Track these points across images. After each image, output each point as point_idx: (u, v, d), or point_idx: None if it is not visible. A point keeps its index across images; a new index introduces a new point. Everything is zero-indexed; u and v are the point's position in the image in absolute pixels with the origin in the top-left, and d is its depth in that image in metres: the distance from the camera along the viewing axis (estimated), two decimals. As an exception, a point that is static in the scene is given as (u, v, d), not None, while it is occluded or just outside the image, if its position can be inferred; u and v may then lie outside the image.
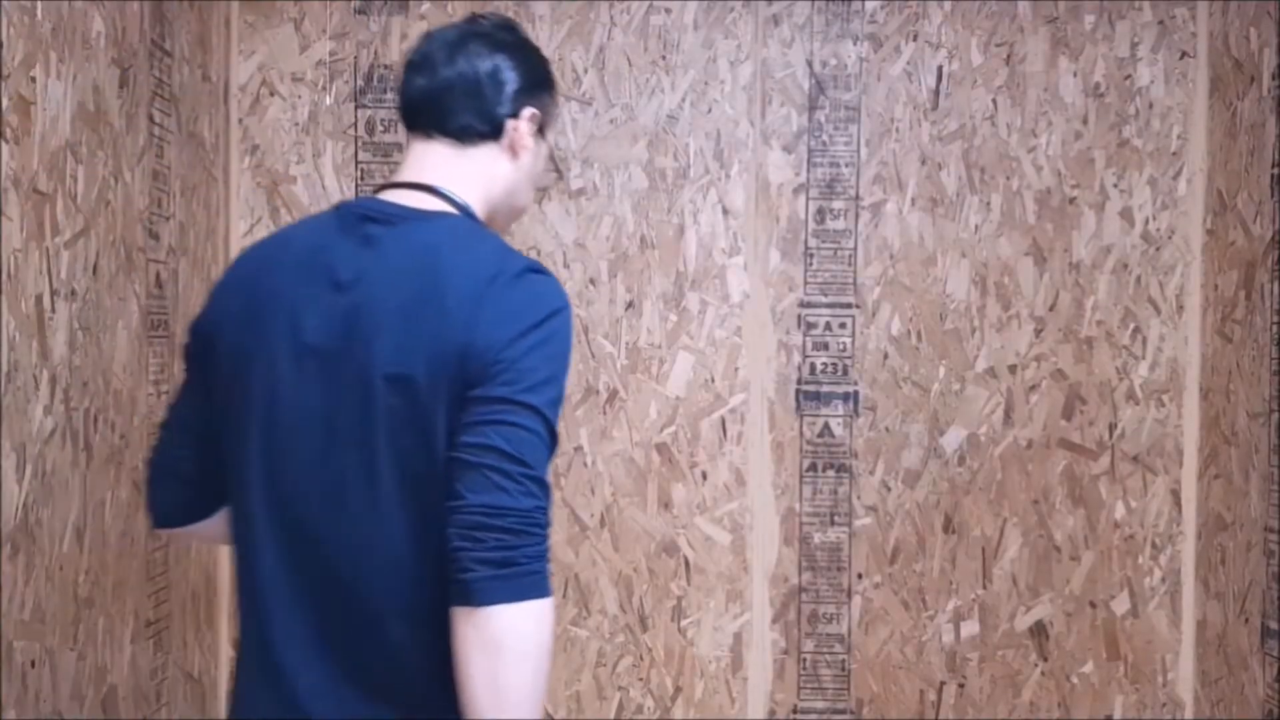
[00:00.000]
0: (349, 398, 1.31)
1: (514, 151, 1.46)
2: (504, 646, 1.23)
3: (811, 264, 2.65)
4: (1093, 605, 2.66)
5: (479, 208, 1.44)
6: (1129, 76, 2.65)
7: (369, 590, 1.32)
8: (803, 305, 2.65)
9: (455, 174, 1.42)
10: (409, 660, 1.32)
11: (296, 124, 2.61)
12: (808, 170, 2.65)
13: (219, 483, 1.43)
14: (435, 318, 1.29)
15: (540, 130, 1.49)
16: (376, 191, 1.44)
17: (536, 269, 1.37)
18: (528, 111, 1.46)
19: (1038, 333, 2.65)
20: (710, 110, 2.64)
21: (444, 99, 1.43)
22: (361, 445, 1.30)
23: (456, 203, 1.40)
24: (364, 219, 1.38)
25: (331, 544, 1.33)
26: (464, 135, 1.43)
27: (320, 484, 1.33)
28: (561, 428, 2.64)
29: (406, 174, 1.44)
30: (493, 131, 1.44)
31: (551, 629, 1.28)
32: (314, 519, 1.33)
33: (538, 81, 1.48)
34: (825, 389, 2.65)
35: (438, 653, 1.28)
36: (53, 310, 1.68)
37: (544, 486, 1.27)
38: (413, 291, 1.31)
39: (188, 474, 1.48)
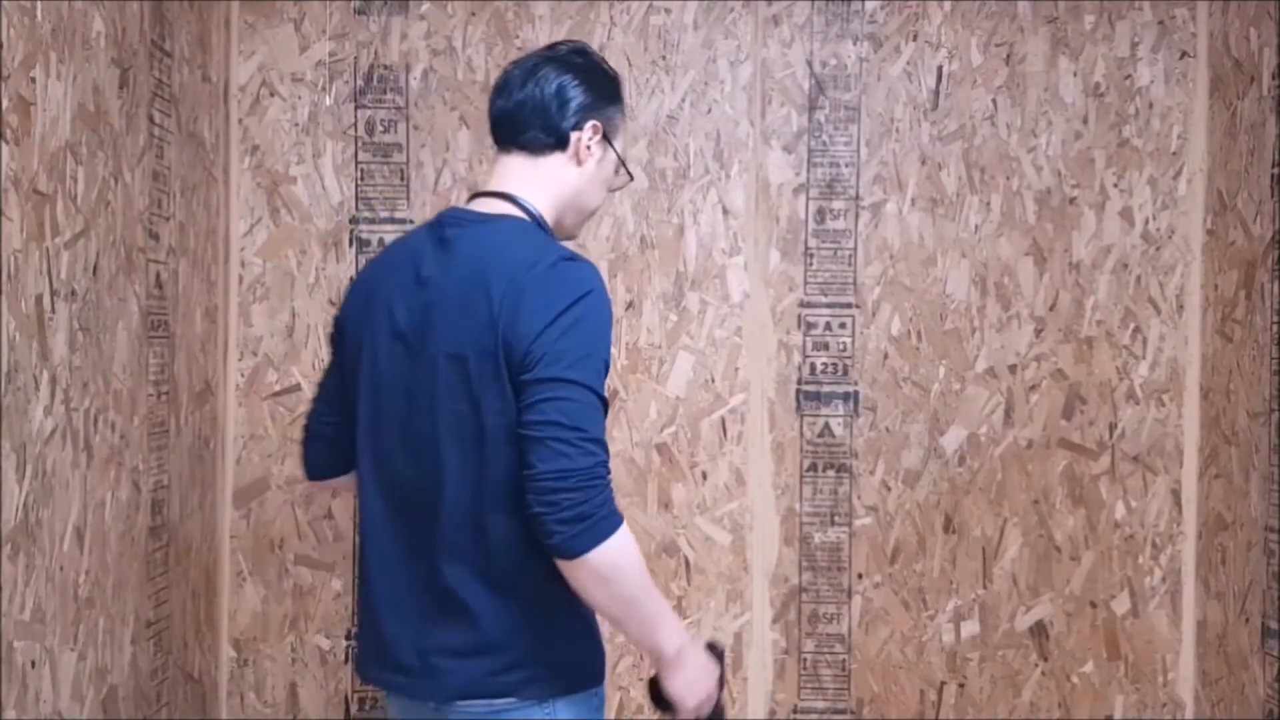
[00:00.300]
0: (422, 373, 1.59)
1: (579, 159, 1.68)
2: (604, 577, 1.50)
3: (811, 264, 2.65)
4: (1093, 605, 2.66)
5: (548, 209, 1.67)
6: (1129, 76, 2.65)
7: (437, 533, 1.59)
8: (803, 305, 2.65)
9: (527, 181, 1.66)
10: (467, 594, 1.58)
11: (296, 124, 2.61)
12: (808, 170, 2.65)
13: (353, 444, 1.70)
14: (484, 306, 1.54)
15: (606, 139, 1.70)
16: (469, 199, 1.70)
17: (570, 257, 1.58)
18: (590, 124, 1.67)
19: (1038, 333, 2.65)
20: (710, 110, 2.64)
21: (517, 116, 1.67)
22: (429, 411, 1.58)
23: (524, 206, 1.64)
24: (447, 224, 1.65)
25: (412, 494, 1.61)
26: (534, 146, 1.67)
27: (403, 443, 1.62)
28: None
29: (490, 183, 1.69)
30: (559, 142, 1.67)
31: (633, 543, 1.52)
32: (400, 473, 1.63)
33: (601, 97, 1.69)
34: (825, 389, 2.65)
35: (486, 587, 1.57)
36: (53, 311, 1.68)
37: (600, 444, 1.50)
38: (469, 284, 1.56)
39: (330, 436, 1.80)
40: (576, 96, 1.67)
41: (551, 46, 1.75)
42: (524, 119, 1.67)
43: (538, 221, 1.65)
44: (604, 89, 1.71)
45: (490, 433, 1.54)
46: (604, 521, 1.48)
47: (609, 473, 1.51)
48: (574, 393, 1.50)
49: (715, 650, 1.71)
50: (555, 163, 1.68)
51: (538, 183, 1.67)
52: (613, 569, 1.50)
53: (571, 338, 1.51)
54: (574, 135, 1.67)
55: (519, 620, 1.59)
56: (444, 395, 1.57)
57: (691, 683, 1.63)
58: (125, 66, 1.97)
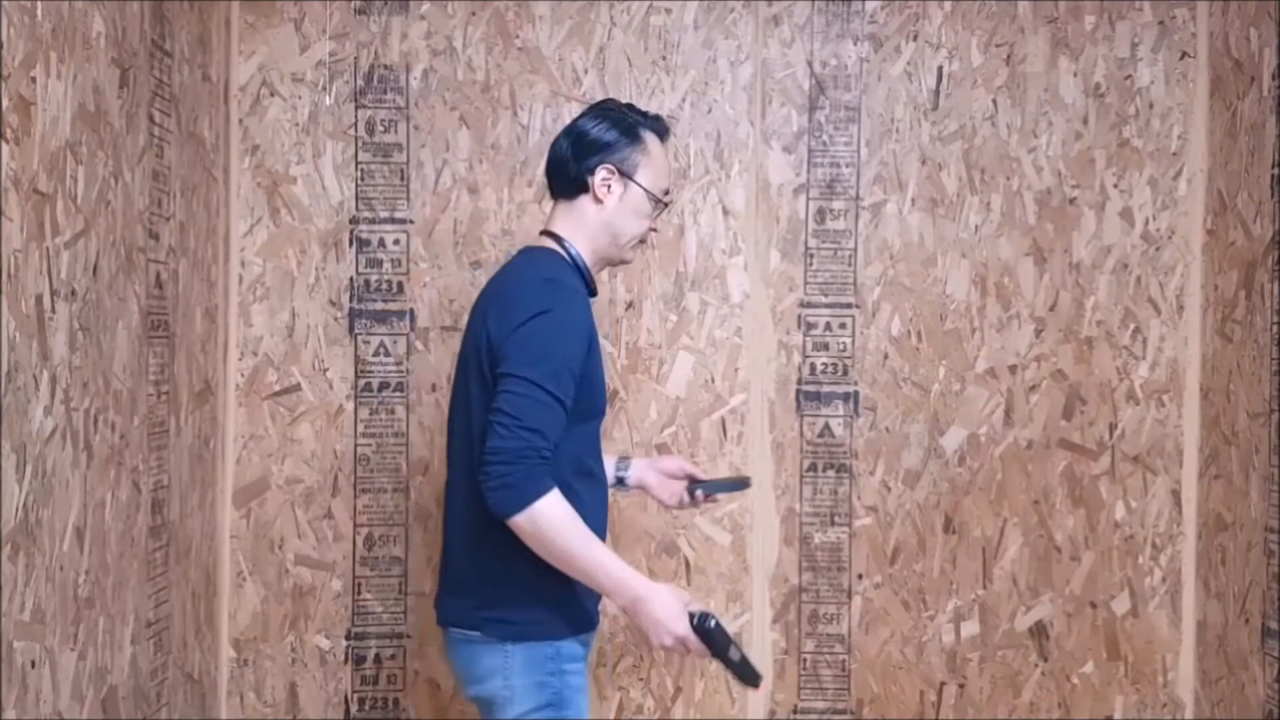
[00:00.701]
0: (459, 371, 2.03)
1: (599, 199, 1.98)
2: (533, 535, 1.81)
3: (812, 264, 2.65)
4: (1093, 605, 2.66)
5: (583, 242, 2.00)
6: (1129, 77, 2.65)
7: (451, 498, 2.00)
8: (803, 305, 2.65)
9: (565, 220, 2.02)
10: (458, 547, 1.97)
11: (296, 124, 2.61)
12: (808, 170, 2.65)
13: None
14: (485, 315, 1.94)
15: (624, 174, 1.98)
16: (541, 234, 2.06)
17: (550, 278, 1.91)
18: (604, 167, 1.97)
19: (1038, 333, 2.65)
20: (710, 110, 2.64)
21: (551, 172, 2.04)
22: (456, 401, 2.02)
23: (562, 240, 2.00)
24: (514, 254, 2.07)
25: (450, 464, 2.02)
26: (564, 193, 2.02)
27: (448, 426, 2.05)
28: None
29: (546, 225, 2.05)
30: (581, 188, 1.99)
31: (559, 508, 1.80)
32: (448, 448, 2.05)
33: (614, 142, 1.99)
34: (825, 389, 2.65)
35: (469, 542, 1.94)
36: (53, 310, 1.68)
37: (534, 431, 1.80)
38: (488, 298, 1.98)
39: None
40: (588, 147, 1.98)
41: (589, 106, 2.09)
42: (554, 173, 2.03)
43: (571, 254, 1.99)
44: (617, 135, 1.99)
45: (475, 416, 1.90)
46: (528, 489, 1.79)
47: (541, 455, 1.80)
48: (521, 387, 1.81)
49: (698, 620, 1.83)
50: (581, 204, 2.00)
51: (572, 221, 2.01)
52: (538, 528, 1.80)
53: (526, 341, 1.84)
54: (590, 179, 1.98)
55: (487, 571, 1.92)
56: (459, 388, 1.99)
57: (652, 627, 1.85)
58: (125, 66, 1.96)
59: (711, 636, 1.82)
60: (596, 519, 1.96)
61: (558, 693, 1.89)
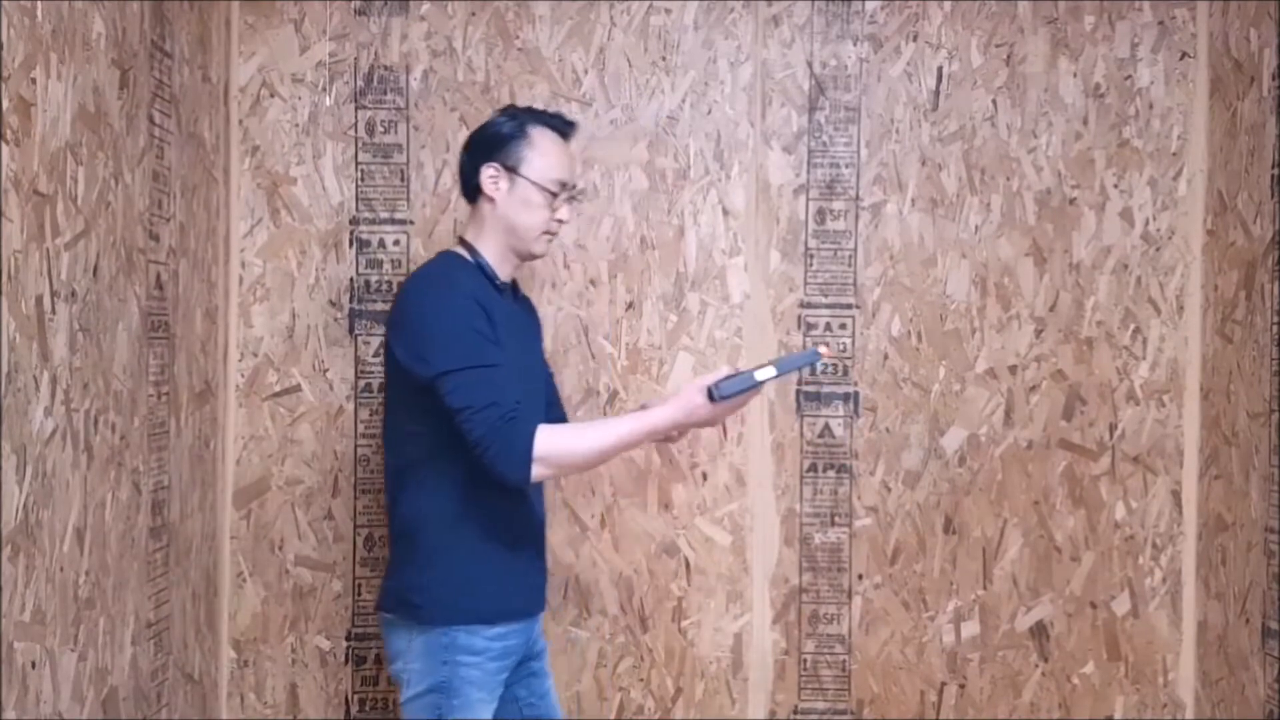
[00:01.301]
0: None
1: (490, 198, 2.10)
2: (563, 470, 2.11)
3: (812, 265, 2.65)
4: (1093, 606, 2.66)
5: (485, 243, 2.12)
6: (1129, 77, 2.65)
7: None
8: (803, 306, 2.65)
9: (471, 224, 2.16)
10: (389, 548, 2.14)
11: (297, 125, 2.61)
12: (808, 171, 2.65)
13: None
14: (388, 328, 2.11)
15: (509, 169, 2.08)
16: None
17: (420, 276, 2.08)
18: (488, 168, 2.09)
19: (1038, 333, 2.65)
20: (710, 111, 2.64)
21: (460, 182, 2.18)
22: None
23: (468, 243, 2.13)
24: None
25: None
26: (469, 198, 2.16)
27: None
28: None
29: None
30: (475, 190, 2.12)
31: (552, 439, 1.96)
32: None
33: (490, 145, 2.10)
34: (825, 389, 2.65)
35: (391, 542, 2.10)
36: (53, 311, 1.68)
37: (489, 406, 1.92)
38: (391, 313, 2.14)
39: None
40: (477, 150, 2.12)
41: None
42: (460, 183, 2.17)
43: (476, 258, 2.10)
44: (489, 136, 2.11)
45: (389, 411, 2.12)
46: (518, 453, 1.92)
47: (507, 419, 1.92)
48: (450, 381, 1.93)
49: (715, 392, 1.96)
50: (482, 205, 2.12)
51: (475, 224, 2.14)
52: (558, 466, 1.99)
53: (426, 338, 1.97)
54: (480, 180, 2.10)
55: (397, 554, 2.09)
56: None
57: (697, 427, 2.07)
58: (125, 67, 1.97)
59: (734, 393, 1.96)
60: (514, 510, 2.07)
61: (446, 681, 1.98)
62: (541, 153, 2.09)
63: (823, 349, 2.04)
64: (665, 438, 2.15)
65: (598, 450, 1.99)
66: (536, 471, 1.94)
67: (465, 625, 1.99)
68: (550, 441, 1.95)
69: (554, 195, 2.10)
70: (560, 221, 2.13)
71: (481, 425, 1.91)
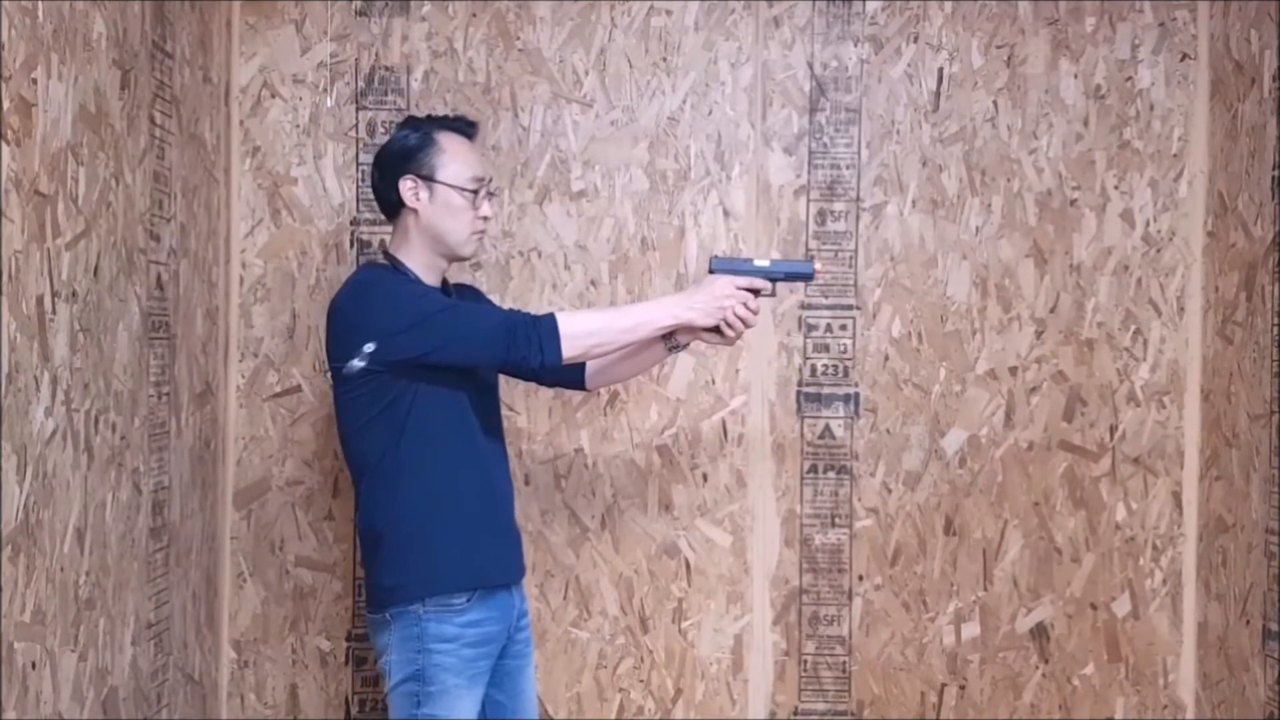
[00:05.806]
0: None
1: (413, 209, 2.11)
2: (590, 345, 2.04)
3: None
4: (1094, 607, 2.66)
5: (412, 256, 2.12)
6: (1130, 78, 2.65)
7: None
8: (803, 307, 2.65)
9: (395, 239, 2.17)
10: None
11: (297, 126, 2.61)
12: (808, 172, 2.65)
13: None
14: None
15: (425, 178, 2.10)
16: None
17: (350, 280, 2.12)
18: (404, 180, 2.10)
19: (1038, 334, 2.65)
20: (711, 112, 2.64)
21: (376, 200, 2.19)
22: None
23: (393, 258, 2.14)
24: None
25: None
26: (389, 215, 2.17)
27: None
28: (562, 429, 2.64)
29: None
30: (398, 204, 2.12)
31: (570, 320, 2.02)
32: None
33: (402, 159, 2.11)
34: (826, 391, 2.65)
35: (365, 543, 2.12)
36: (53, 312, 1.68)
37: (479, 329, 2.04)
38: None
39: None
40: (388, 165, 2.12)
41: None
42: (377, 201, 2.18)
43: (399, 265, 2.11)
44: (409, 146, 2.12)
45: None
46: (544, 338, 1.98)
47: (509, 325, 2.00)
48: (426, 339, 1.98)
49: (712, 265, 2.10)
50: (404, 219, 2.13)
51: (399, 238, 2.15)
52: (584, 346, 2.02)
53: (374, 315, 2.00)
54: (400, 194, 2.10)
55: (370, 556, 2.10)
56: None
57: (710, 314, 2.06)
58: (126, 68, 1.97)
59: (729, 270, 2.07)
60: (471, 485, 2.09)
61: (421, 670, 2.02)
62: (453, 156, 2.11)
63: (818, 264, 2.14)
64: (711, 330, 2.08)
65: (619, 327, 2.05)
66: (566, 349, 1.99)
67: (435, 605, 2.02)
68: (570, 319, 2.02)
69: (474, 194, 2.11)
70: (485, 219, 2.14)
71: (490, 347, 2.00)
